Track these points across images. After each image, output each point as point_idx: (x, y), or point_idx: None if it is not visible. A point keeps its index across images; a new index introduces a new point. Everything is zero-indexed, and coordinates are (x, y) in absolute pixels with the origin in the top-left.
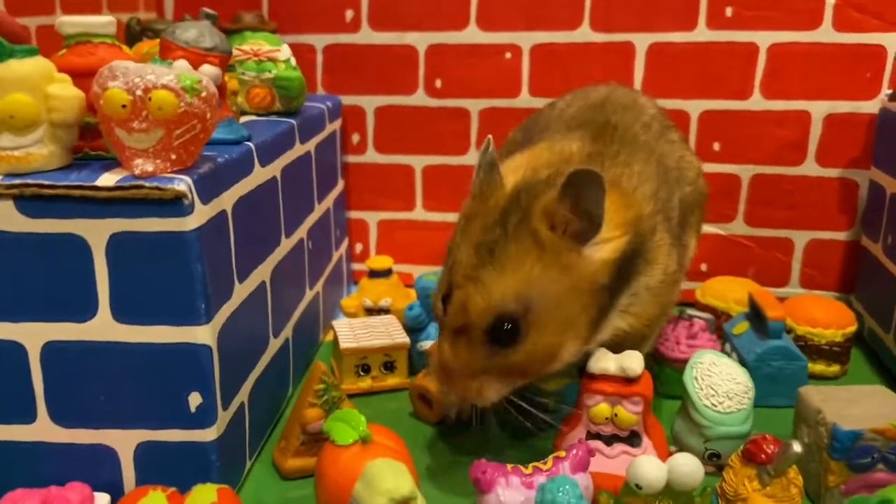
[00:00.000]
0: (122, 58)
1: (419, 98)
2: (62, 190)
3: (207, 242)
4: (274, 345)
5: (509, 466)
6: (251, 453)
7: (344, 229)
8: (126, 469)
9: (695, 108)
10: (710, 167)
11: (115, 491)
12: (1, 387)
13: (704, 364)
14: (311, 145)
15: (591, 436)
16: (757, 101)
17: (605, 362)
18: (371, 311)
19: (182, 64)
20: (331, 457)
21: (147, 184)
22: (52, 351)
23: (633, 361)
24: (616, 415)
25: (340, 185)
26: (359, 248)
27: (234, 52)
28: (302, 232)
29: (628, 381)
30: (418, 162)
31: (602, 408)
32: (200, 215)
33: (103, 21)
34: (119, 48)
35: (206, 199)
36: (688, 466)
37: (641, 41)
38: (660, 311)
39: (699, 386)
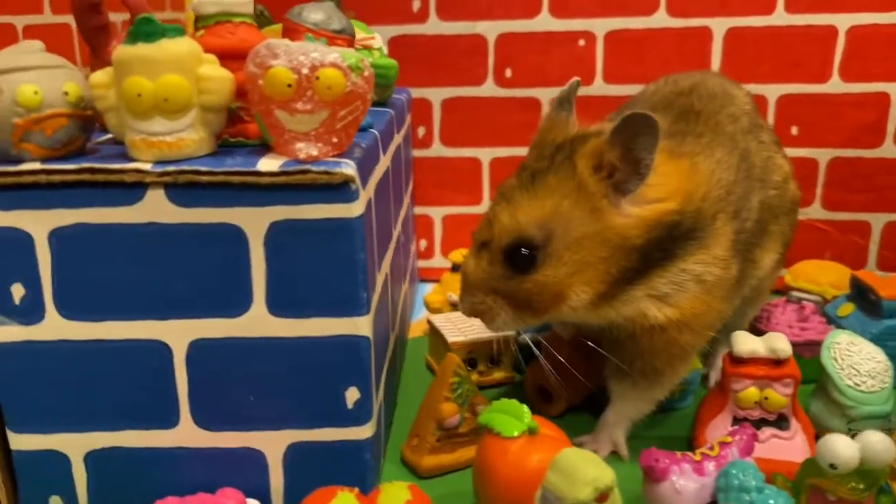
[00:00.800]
0: (261, 39)
1: (488, 89)
2: (221, 177)
3: (367, 229)
4: (391, 339)
5: (678, 454)
6: (384, 452)
7: (413, 224)
8: (274, 473)
9: (773, 92)
10: (788, 151)
11: (262, 497)
12: (142, 390)
13: (842, 344)
14: (400, 137)
15: (738, 420)
16: (835, 84)
17: (752, 344)
18: (455, 306)
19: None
20: (497, 450)
21: (314, 168)
22: (199, 349)
23: (782, 342)
24: (766, 398)
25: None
26: (423, 244)
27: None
28: (398, 225)
29: (778, 362)
30: (486, 154)
31: (751, 392)
32: (362, 201)
33: (242, 0)
34: (257, 28)
35: (364, 184)
36: (882, 443)
37: (719, 26)
38: (704, 309)
39: (839, 366)
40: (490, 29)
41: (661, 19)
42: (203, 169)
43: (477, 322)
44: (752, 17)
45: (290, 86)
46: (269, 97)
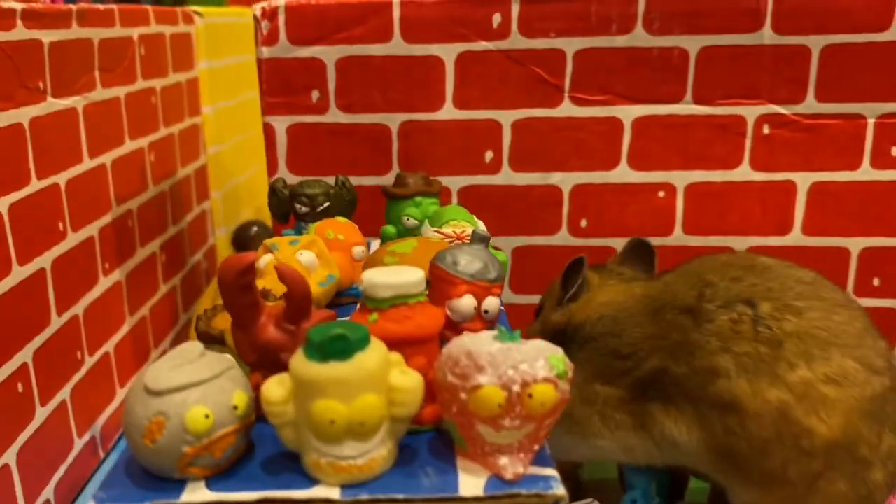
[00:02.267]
0: (439, 321)
1: (562, 238)
2: None
3: None
4: None
5: None
6: None
7: None
8: None
9: (855, 245)
10: (869, 302)
11: None
12: None
13: None
14: None
15: None
16: None
17: None
18: None
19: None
20: None
21: (524, 491)
22: None
23: None
24: None
25: None
26: None
27: (433, 234)
28: None
29: None
30: None
31: None
32: None
33: (416, 279)
34: (430, 305)
35: None
36: None
37: (803, 180)
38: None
39: None
40: (565, 180)
41: (744, 173)
42: (400, 497)
43: None
44: (837, 172)
45: (500, 405)
46: (472, 412)
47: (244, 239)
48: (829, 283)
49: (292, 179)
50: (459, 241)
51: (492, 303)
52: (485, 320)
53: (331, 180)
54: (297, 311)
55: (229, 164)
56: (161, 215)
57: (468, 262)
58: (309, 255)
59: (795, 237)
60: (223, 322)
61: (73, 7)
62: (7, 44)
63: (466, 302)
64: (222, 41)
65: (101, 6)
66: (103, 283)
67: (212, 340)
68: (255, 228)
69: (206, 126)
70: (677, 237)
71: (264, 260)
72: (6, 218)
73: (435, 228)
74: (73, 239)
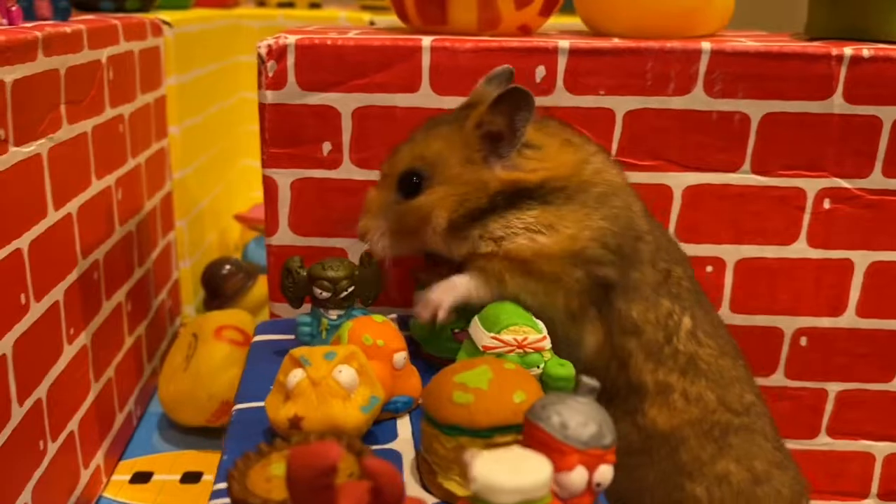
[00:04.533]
0: None
1: None
2: None
3: None
4: None
5: None
6: None
7: None
8: None
9: None
10: None
11: None
12: None
13: None
14: None
15: None
16: None
17: None
18: None
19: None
20: None
21: None
22: None
23: None
24: None
25: None
26: None
27: (490, 342)
28: None
29: None
30: None
31: None
32: None
33: (544, 478)
34: None
35: None
36: None
37: (861, 259)
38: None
39: None
40: None
41: (799, 249)
42: None
43: None
44: None
45: None
46: None
47: (216, 279)
48: None
49: (294, 240)
50: (521, 350)
51: (605, 473)
52: (594, 493)
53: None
54: None
55: (194, 188)
56: (127, 259)
57: (580, 424)
58: (349, 373)
59: (849, 318)
60: (261, 479)
61: (38, 34)
62: None
63: (578, 476)
64: (193, 52)
65: (66, 28)
66: (68, 353)
67: None
68: (227, 267)
69: (172, 149)
70: (724, 315)
71: (295, 377)
72: None
73: (492, 335)
74: (36, 311)
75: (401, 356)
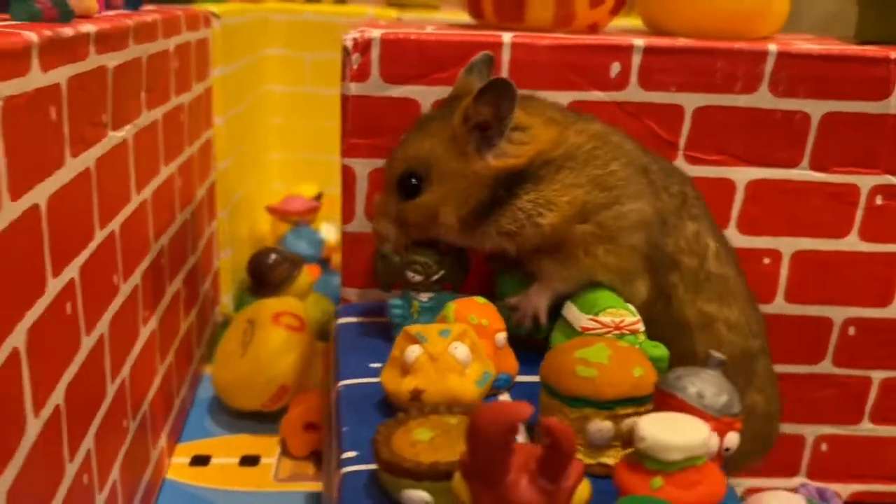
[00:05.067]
0: (723, 482)
1: None
2: None
3: None
4: None
5: None
6: None
7: None
8: None
9: None
10: None
11: None
12: None
13: None
14: None
15: None
16: None
17: None
18: None
19: None
20: None
21: None
22: None
23: None
24: None
25: None
26: None
27: (589, 323)
28: None
29: None
30: None
31: None
32: None
33: (704, 437)
34: (712, 466)
35: None
36: None
37: None
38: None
39: None
40: None
41: (851, 242)
42: None
43: None
44: None
45: None
46: None
47: (263, 268)
48: None
49: (368, 227)
50: (618, 331)
51: (733, 439)
52: (722, 457)
53: None
54: (558, 467)
55: (234, 178)
56: (183, 246)
57: (714, 393)
58: (464, 349)
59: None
60: (406, 444)
61: (130, 23)
62: (81, 76)
63: (712, 442)
64: (234, 44)
65: (148, 17)
66: (143, 335)
67: (402, 473)
68: (273, 256)
69: (216, 139)
70: (778, 305)
71: (413, 352)
72: (77, 281)
73: (590, 316)
74: (124, 292)
75: (502, 336)
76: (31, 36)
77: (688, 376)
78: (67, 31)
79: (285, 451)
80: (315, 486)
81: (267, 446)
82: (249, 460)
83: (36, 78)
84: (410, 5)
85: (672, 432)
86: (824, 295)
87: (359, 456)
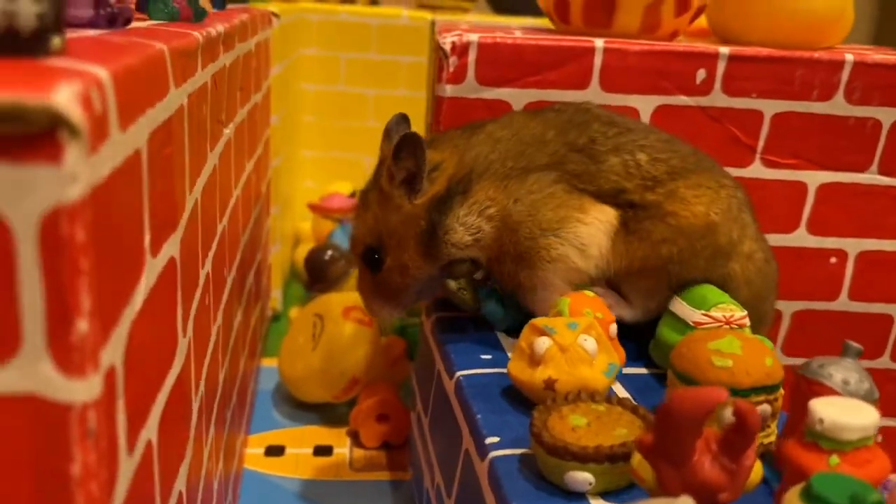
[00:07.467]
0: (887, 461)
1: None
2: None
3: None
4: None
5: None
6: None
7: None
8: None
9: None
10: None
11: None
12: None
13: None
14: None
15: None
16: None
17: None
18: None
19: None
20: None
21: None
22: None
23: None
24: None
25: None
26: None
27: (701, 318)
28: None
29: None
30: None
31: None
32: None
33: (875, 419)
34: (878, 447)
35: None
36: None
37: None
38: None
39: None
40: None
41: None
42: None
43: None
44: None
45: None
46: None
47: (320, 264)
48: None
49: None
50: (728, 326)
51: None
52: None
53: None
54: (740, 447)
55: (283, 176)
56: (256, 242)
57: (857, 381)
58: (592, 342)
59: None
60: (566, 429)
61: (236, 22)
62: (216, 74)
63: None
64: (286, 44)
65: (244, 16)
66: (234, 329)
67: (568, 456)
68: (329, 253)
69: (273, 138)
70: (842, 302)
71: (543, 344)
72: (211, 275)
73: (702, 312)
74: (227, 286)
75: (614, 327)
76: (198, 36)
77: (830, 364)
78: (211, 30)
79: (356, 442)
80: (388, 476)
81: (336, 437)
82: (323, 450)
83: (200, 76)
84: (442, 7)
85: (847, 415)
86: (886, 294)
87: (501, 441)
